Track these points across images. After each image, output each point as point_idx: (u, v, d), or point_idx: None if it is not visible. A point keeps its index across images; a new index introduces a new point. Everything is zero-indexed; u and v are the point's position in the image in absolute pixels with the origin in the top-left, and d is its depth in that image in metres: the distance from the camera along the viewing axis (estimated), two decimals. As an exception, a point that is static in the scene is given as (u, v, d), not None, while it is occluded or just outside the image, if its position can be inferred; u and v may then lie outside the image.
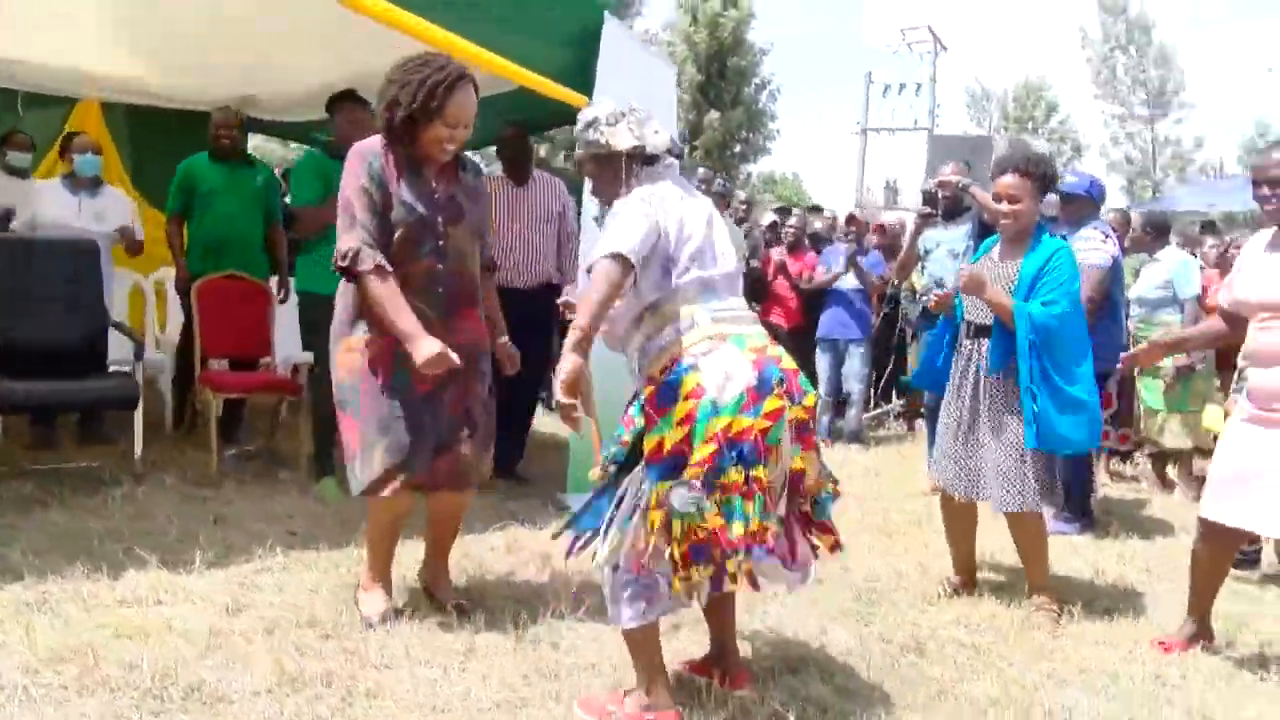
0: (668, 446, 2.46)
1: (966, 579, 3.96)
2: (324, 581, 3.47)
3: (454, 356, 3.01)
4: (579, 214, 5.13)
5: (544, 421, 6.50)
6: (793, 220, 7.93)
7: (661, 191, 2.69)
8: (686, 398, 2.47)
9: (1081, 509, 5.15)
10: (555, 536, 2.77)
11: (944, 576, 4.00)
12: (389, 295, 3.03)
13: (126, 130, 7.43)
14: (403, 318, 3.02)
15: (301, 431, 5.33)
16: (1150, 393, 6.06)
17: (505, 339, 3.52)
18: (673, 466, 2.46)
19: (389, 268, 3.06)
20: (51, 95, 7.03)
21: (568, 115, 5.29)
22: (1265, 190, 3.21)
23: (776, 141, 32.78)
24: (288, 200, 6.45)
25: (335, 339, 3.23)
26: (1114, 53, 32.27)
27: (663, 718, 2.55)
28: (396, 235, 3.12)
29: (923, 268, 6.04)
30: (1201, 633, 3.45)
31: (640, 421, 2.55)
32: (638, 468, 2.54)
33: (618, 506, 2.55)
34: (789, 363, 2.65)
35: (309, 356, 6.70)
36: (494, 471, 4.74)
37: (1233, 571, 3.76)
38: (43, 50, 6.10)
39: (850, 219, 7.74)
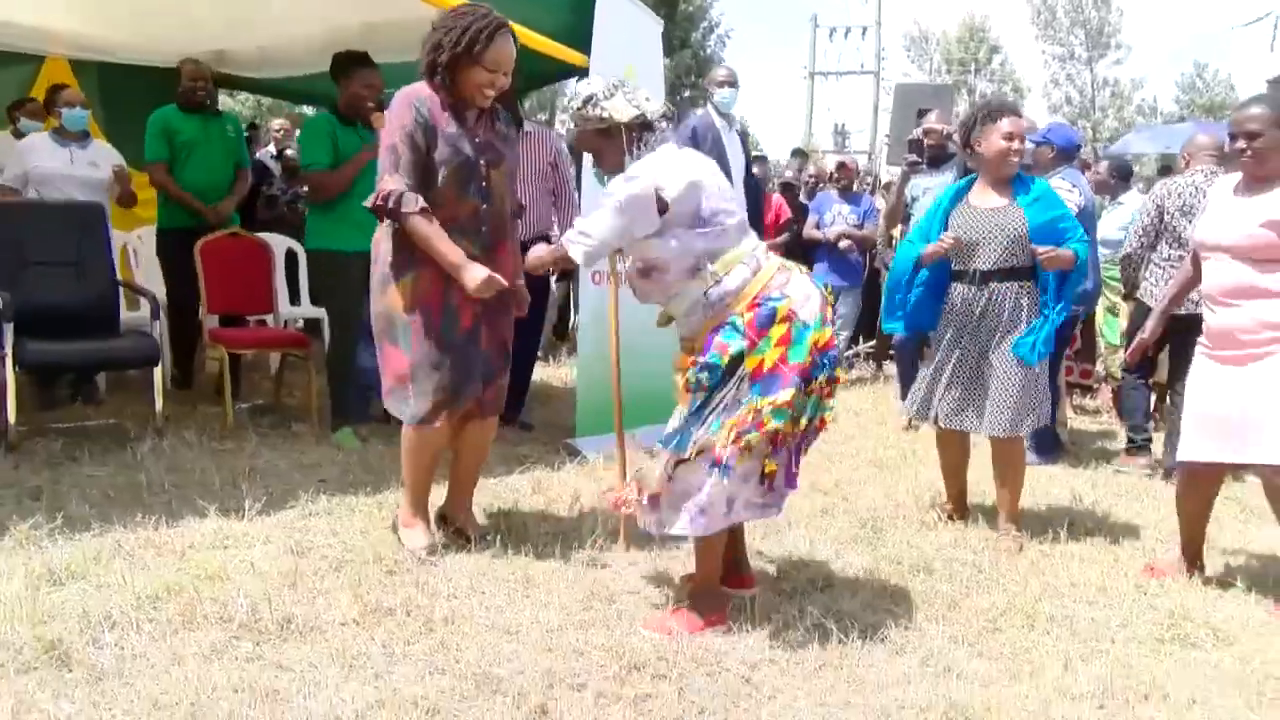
0: (768, 364, 2.79)
1: (958, 506, 4.28)
2: (371, 524, 3.68)
3: (501, 279, 3.29)
4: (578, 171, 5.29)
5: (541, 373, 6.72)
6: (755, 169, 8.12)
7: (665, 160, 2.92)
8: (782, 320, 2.80)
9: (1053, 441, 5.52)
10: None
11: (939, 503, 4.32)
12: (435, 233, 3.26)
13: (98, 88, 7.37)
14: (450, 250, 3.26)
15: (311, 385, 5.50)
16: (1111, 329, 6.44)
17: (521, 281, 3.65)
18: (772, 382, 2.79)
19: (429, 209, 3.27)
20: (18, 52, 6.99)
21: (562, 72, 5.47)
22: (1241, 143, 3.39)
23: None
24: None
25: (384, 280, 3.39)
26: (1053, -7, 32.86)
27: (714, 618, 2.90)
28: (443, 176, 3.32)
29: (908, 215, 6.29)
30: (1194, 566, 3.67)
31: (736, 344, 2.80)
32: (730, 387, 2.83)
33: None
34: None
35: (309, 312, 6.87)
36: (503, 419, 4.97)
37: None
38: (6, 6, 6.08)
39: (841, 165, 7.94)
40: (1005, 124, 3.93)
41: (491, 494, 4.16)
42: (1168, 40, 53.63)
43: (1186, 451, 3.53)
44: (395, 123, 3.30)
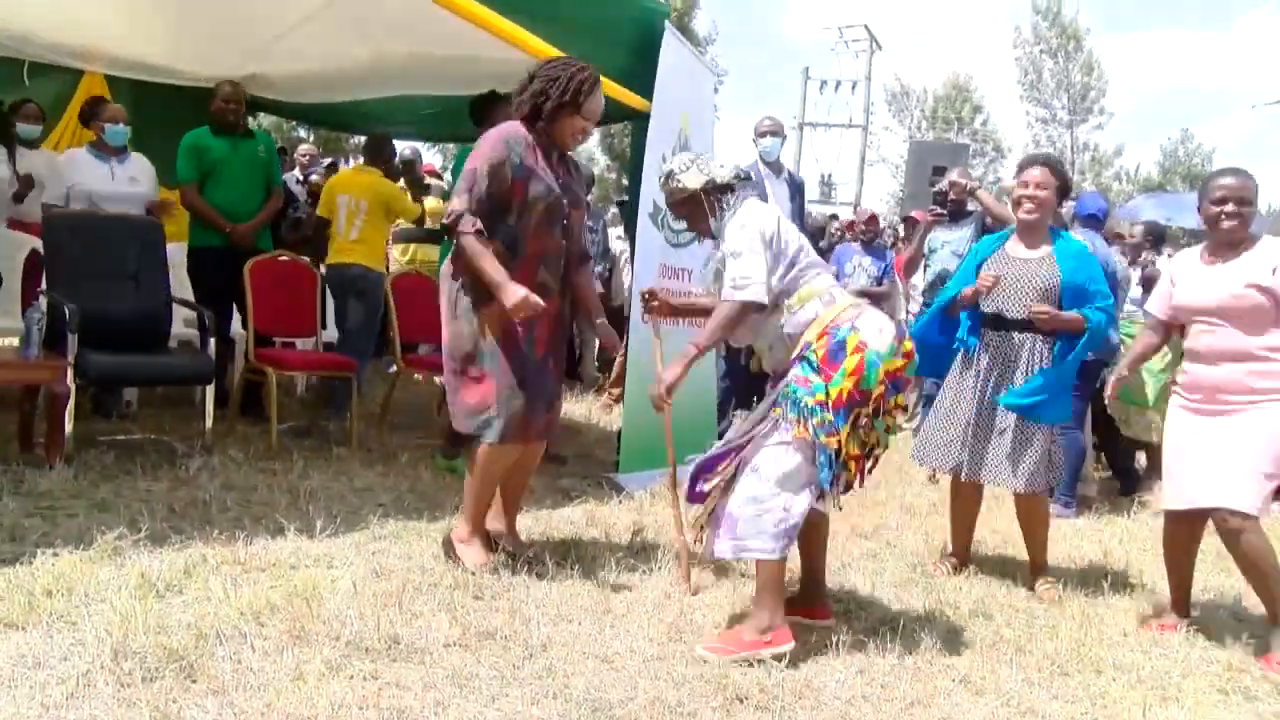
0: (845, 395, 3.01)
1: (962, 558, 4.29)
2: (441, 550, 3.72)
3: (539, 300, 3.38)
4: (635, 207, 5.39)
5: (572, 409, 6.83)
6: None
7: (753, 211, 3.24)
8: (854, 352, 3.02)
9: (1073, 494, 5.66)
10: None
11: (943, 555, 4.33)
12: (482, 252, 3.40)
13: (131, 104, 7.38)
14: (495, 269, 3.39)
15: (353, 410, 5.57)
16: (1126, 389, 6.60)
17: (603, 320, 3.83)
18: (849, 409, 3.03)
19: (484, 233, 3.41)
20: (57, 66, 7.05)
21: (623, 114, 5.60)
22: (1232, 207, 3.54)
23: (716, 129, 33.23)
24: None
25: (468, 308, 3.52)
26: (1042, 56, 33.53)
27: (779, 635, 3.03)
28: (538, 212, 3.49)
29: (926, 265, 6.47)
30: (1183, 614, 3.78)
31: (817, 384, 3.02)
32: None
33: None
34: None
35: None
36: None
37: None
38: (50, 22, 6.15)
39: (871, 218, 8.05)
40: (1022, 176, 4.11)
41: (549, 525, 4.24)
42: (1150, 106, 54.80)
43: (1168, 500, 3.74)
44: (486, 151, 3.45)
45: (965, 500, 4.28)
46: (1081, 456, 5.73)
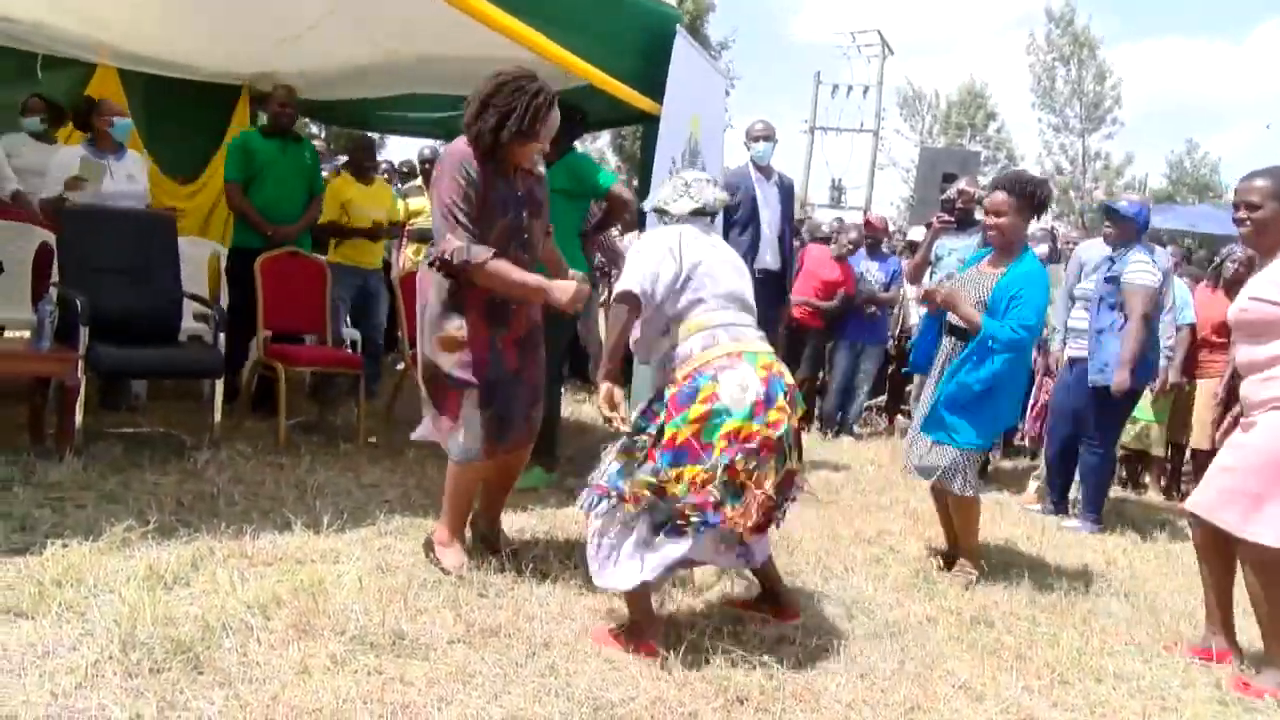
0: (680, 439, 2.94)
1: (952, 549, 4.43)
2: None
3: (586, 286, 3.48)
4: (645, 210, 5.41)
5: (579, 409, 6.83)
6: (852, 234, 7.89)
7: (668, 231, 3.26)
8: (702, 402, 2.95)
9: (1099, 510, 5.63)
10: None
11: (936, 549, 4.52)
12: (508, 269, 3.41)
13: (143, 98, 7.46)
14: (530, 278, 3.44)
15: (360, 407, 5.60)
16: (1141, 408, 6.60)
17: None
18: (679, 455, 2.92)
19: (498, 251, 3.42)
20: (71, 59, 7.09)
21: (632, 117, 5.63)
22: (1242, 213, 3.47)
23: (727, 134, 33.20)
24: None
25: (434, 323, 3.52)
26: (1055, 64, 33.38)
27: (643, 646, 2.99)
28: (494, 234, 3.46)
29: (932, 272, 6.48)
30: (1230, 645, 3.59)
31: (662, 415, 3.01)
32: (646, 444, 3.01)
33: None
34: (789, 378, 3.14)
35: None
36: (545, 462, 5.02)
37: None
38: (63, 14, 6.19)
39: (867, 223, 8.05)
40: (987, 199, 4.23)
41: (553, 524, 4.26)
42: (1153, 116, 54.65)
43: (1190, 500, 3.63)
44: (447, 184, 3.41)
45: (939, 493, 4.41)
46: (1111, 473, 5.72)
